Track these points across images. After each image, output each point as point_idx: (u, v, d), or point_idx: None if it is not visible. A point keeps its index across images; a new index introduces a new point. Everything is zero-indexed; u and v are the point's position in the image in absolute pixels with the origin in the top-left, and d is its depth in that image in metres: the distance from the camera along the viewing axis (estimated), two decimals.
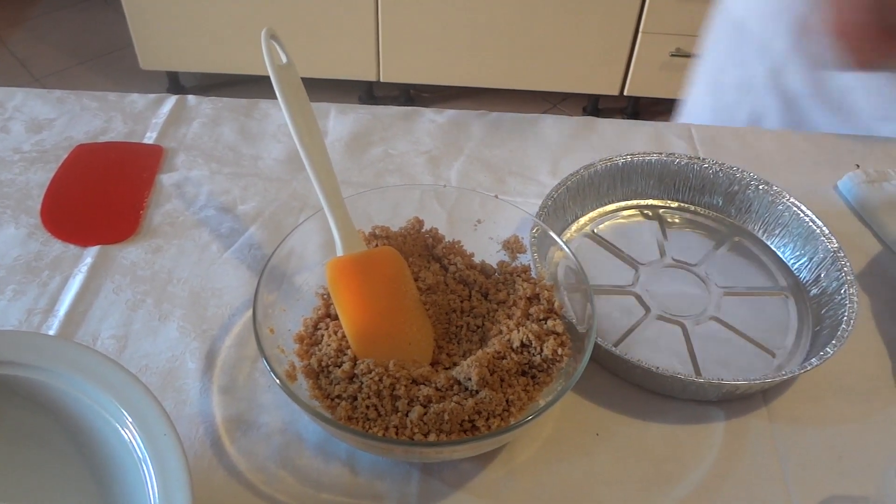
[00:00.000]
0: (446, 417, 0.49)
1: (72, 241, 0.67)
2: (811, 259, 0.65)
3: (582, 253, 0.67)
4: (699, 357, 0.60)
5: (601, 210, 0.71)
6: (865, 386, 0.60)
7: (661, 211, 0.72)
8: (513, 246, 0.62)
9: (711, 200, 0.72)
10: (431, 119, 0.81)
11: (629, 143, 0.81)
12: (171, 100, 0.82)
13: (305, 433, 0.55)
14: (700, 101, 0.99)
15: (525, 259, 0.62)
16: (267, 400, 0.56)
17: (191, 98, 0.83)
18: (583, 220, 0.70)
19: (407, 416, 0.49)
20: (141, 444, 0.42)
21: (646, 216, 0.71)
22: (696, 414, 0.57)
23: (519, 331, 0.54)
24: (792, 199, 0.68)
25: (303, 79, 0.57)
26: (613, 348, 0.55)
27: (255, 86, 2.31)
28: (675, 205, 0.72)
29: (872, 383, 0.60)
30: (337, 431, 0.49)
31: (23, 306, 0.61)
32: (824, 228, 0.65)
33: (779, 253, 0.68)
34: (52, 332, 0.59)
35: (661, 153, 0.71)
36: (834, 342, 0.56)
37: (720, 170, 0.70)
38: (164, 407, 0.43)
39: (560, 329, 0.54)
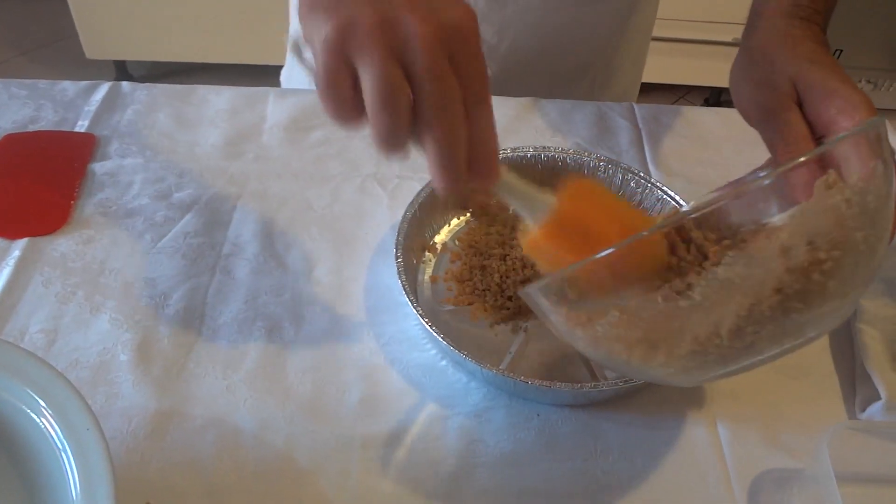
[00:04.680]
0: None
1: None
2: None
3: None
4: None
5: (454, 222, 0.69)
6: (802, 361, 0.60)
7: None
8: None
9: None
10: None
11: (572, 124, 0.80)
12: (104, 87, 0.80)
13: (242, 423, 0.54)
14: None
15: None
16: (202, 391, 0.55)
17: (125, 85, 0.81)
18: (443, 232, 0.68)
19: None
20: (61, 436, 0.41)
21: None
22: (632, 391, 0.57)
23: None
24: (642, 175, 0.67)
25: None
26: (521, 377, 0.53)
27: (205, 74, 2.27)
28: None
29: (809, 359, 0.60)
30: None
31: None
32: (683, 203, 0.64)
33: None
34: None
35: (505, 149, 0.68)
36: None
37: (567, 156, 0.69)
38: (85, 400, 0.42)
39: None
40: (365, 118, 0.38)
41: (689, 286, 0.38)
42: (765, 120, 0.53)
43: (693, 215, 0.39)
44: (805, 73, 0.52)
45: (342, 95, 0.38)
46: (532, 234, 0.44)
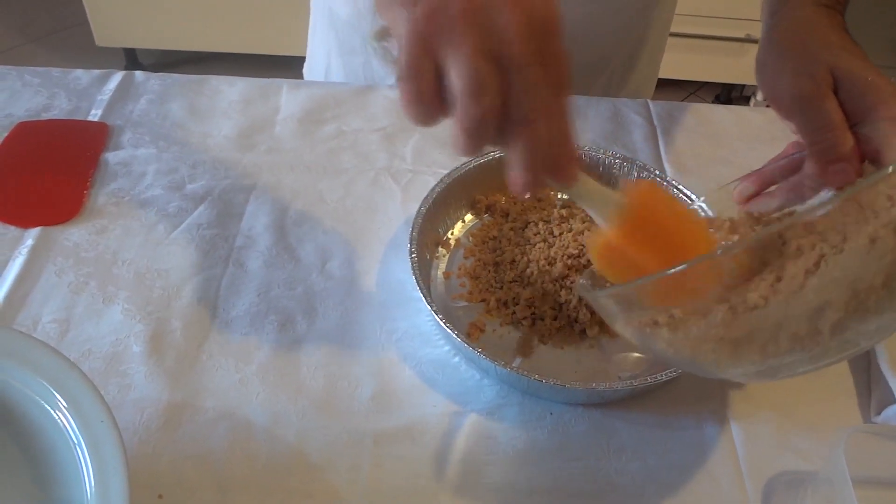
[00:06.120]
0: None
1: (12, 222, 0.64)
2: None
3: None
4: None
5: (468, 218, 0.69)
6: None
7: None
8: None
9: None
10: (386, 95, 0.80)
11: (587, 120, 0.80)
12: (118, 76, 0.80)
13: (254, 417, 0.53)
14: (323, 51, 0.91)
15: None
16: (214, 384, 0.55)
17: (138, 74, 0.81)
18: (456, 227, 0.68)
19: None
20: (75, 428, 0.41)
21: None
22: (646, 391, 0.56)
23: None
24: (657, 173, 0.67)
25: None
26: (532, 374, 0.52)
27: (216, 63, 2.26)
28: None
29: None
30: None
31: None
32: (701, 203, 0.63)
33: None
34: None
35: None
36: None
37: (581, 153, 0.68)
38: (100, 392, 0.42)
39: None
40: (442, 113, 0.37)
41: (802, 285, 0.38)
42: (800, 107, 0.53)
43: (812, 216, 0.39)
44: (842, 63, 0.52)
45: (425, 87, 0.36)
46: (602, 236, 0.43)
